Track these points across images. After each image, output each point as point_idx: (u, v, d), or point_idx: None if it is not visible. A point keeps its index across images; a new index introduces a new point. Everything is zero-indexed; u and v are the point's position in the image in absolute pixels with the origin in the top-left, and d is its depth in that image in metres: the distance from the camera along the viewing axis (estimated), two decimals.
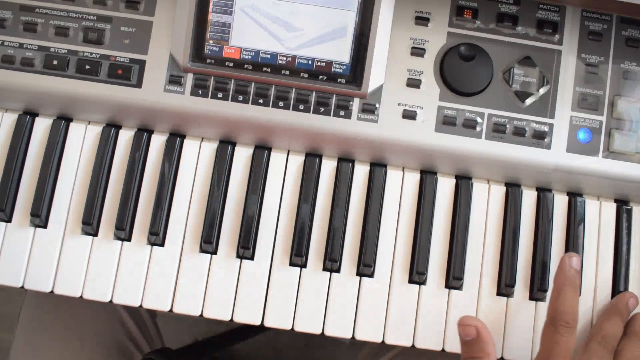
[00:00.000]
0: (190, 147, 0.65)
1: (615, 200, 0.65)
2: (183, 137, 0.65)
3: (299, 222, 0.63)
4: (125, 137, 0.65)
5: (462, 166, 0.64)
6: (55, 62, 0.62)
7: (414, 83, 0.61)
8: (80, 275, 0.62)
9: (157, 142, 0.65)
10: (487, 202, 0.64)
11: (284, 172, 0.65)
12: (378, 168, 0.64)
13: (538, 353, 0.58)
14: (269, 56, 0.61)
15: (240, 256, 0.63)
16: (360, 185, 0.64)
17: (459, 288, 0.63)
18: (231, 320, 0.62)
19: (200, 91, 0.61)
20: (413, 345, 0.62)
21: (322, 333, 0.62)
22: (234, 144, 0.65)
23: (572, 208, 0.64)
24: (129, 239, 0.63)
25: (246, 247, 0.62)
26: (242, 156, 0.65)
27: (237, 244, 0.63)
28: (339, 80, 0.61)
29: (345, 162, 0.65)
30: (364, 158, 0.65)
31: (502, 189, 0.65)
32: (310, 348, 1.27)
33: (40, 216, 0.62)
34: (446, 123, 0.61)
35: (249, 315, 0.62)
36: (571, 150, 0.61)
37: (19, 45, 0.62)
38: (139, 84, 0.62)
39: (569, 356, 0.55)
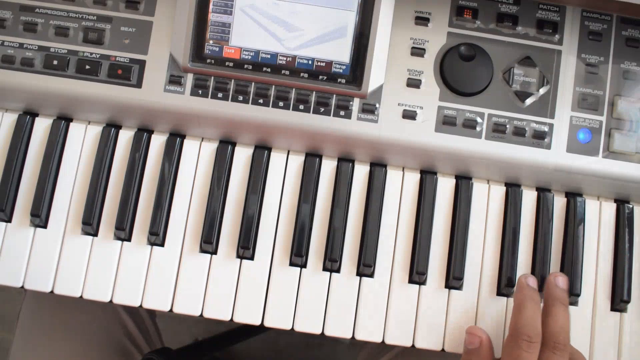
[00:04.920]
0: (190, 147, 0.65)
1: (615, 200, 0.65)
2: (183, 137, 0.65)
3: (299, 222, 0.63)
4: (125, 137, 0.65)
5: (462, 166, 0.64)
6: (55, 62, 0.62)
7: (414, 83, 0.61)
8: (80, 275, 0.62)
9: (157, 142, 0.65)
10: (487, 202, 0.64)
11: (284, 172, 0.65)
12: (378, 168, 0.64)
13: None
14: (269, 56, 0.61)
15: (240, 256, 0.63)
16: (360, 185, 0.64)
17: (459, 288, 0.63)
18: (231, 320, 0.62)
19: (200, 91, 0.61)
20: (413, 345, 0.62)
21: (322, 333, 0.62)
22: (234, 144, 0.65)
23: (571, 208, 0.64)
24: (129, 239, 0.63)
25: (246, 247, 0.62)
26: (242, 156, 0.65)
27: (237, 244, 0.63)
28: (339, 80, 0.61)
29: (345, 162, 0.64)
30: (364, 158, 0.65)
31: (502, 189, 0.65)
32: (310, 348, 1.27)
33: (40, 216, 0.62)
34: (446, 123, 0.61)
35: (249, 315, 0.62)
36: (571, 150, 0.61)
37: (19, 45, 0.62)
38: (139, 84, 0.62)
39: None
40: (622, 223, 0.64)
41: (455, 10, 0.62)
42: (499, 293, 0.63)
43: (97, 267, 0.62)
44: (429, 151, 0.62)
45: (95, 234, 0.63)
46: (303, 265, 0.63)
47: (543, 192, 0.64)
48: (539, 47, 0.62)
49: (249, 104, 0.61)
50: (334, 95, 0.61)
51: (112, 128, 0.65)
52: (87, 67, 0.62)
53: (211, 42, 0.61)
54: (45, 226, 0.63)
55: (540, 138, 0.61)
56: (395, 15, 0.62)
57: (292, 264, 0.63)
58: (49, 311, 0.76)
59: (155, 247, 0.63)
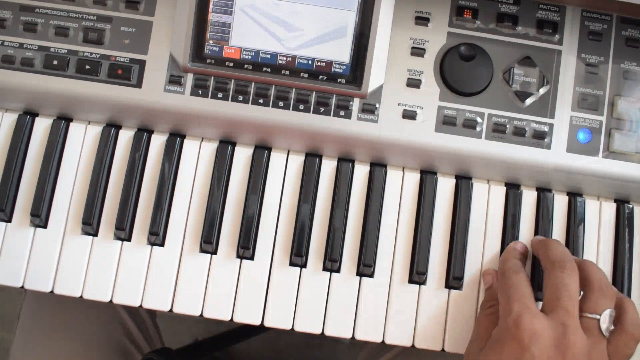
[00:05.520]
0: (190, 147, 0.65)
1: (615, 200, 0.65)
2: (183, 137, 0.65)
3: (299, 222, 0.63)
4: (125, 137, 0.65)
5: (462, 166, 0.64)
6: (55, 62, 0.62)
7: (414, 83, 0.61)
8: (80, 275, 0.62)
9: (157, 142, 0.65)
10: (487, 202, 0.64)
11: (284, 172, 0.65)
12: (378, 168, 0.64)
13: (544, 299, 0.55)
14: (269, 56, 0.61)
15: (240, 256, 0.63)
16: (360, 185, 0.64)
17: (459, 288, 0.63)
18: (231, 320, 0.62)
19: (200, 91, 0.61)
20: (413, 345, 0.62)
21: (322, 333, 0.62)
22: (234, 144, 0.65)
23: (572, 208, 0.64)
24: (129, 239, 0.63)
25: (246, 247, 0.62)
26: (242, 156, 0.65)
27: (237, 244, 0.63)
28: (339, 80, 0.61)
29: (345, 162, 0.64)
30: (364, 158, 0.65)
31: (502, 189, 0.65)
32: (310, 348, 1.27)
33: (40, 216, 0.62)
34: (446, 123, 0.61)
35: (249, 315, 0.62)
36: (571, 150, 0.61)
37: (19, 45, 0.62)
38: (139, 84, 0.62)
39: (576, 298, 0.54)
40: (622, 223, 0.64)
41: (455, 10, 0.62)
42: None
43: (97, 267, 0.62)
44: (429, 151, 0.62)
45: (95, 234, 0.63)
46: (303, 265, 0.63)
47: (543, 192, 0.64)
48: (539, 47, 0.62)
49: (249, 104, 0.61)
50: (334, 95, 0.61)
51: (112, 128, 0.65)
52: (87, 67, 0.62)
53: (211, 42, 0.61)
54: (45, 226, 0.63)
55: (540, 138, 0.61)
56: (395, 15, 0.62)
57: (292, 264, 0.63)
58: (49, 311, 0.76)
59: (155, 247, 0.63)
